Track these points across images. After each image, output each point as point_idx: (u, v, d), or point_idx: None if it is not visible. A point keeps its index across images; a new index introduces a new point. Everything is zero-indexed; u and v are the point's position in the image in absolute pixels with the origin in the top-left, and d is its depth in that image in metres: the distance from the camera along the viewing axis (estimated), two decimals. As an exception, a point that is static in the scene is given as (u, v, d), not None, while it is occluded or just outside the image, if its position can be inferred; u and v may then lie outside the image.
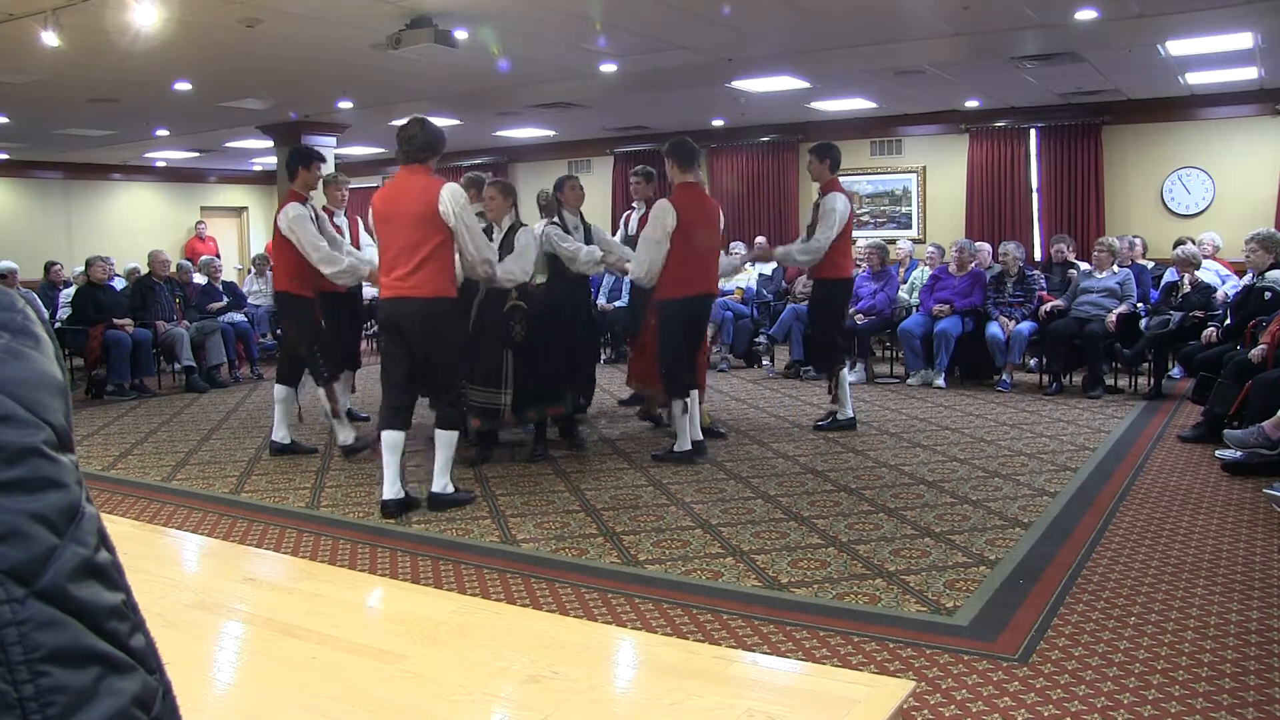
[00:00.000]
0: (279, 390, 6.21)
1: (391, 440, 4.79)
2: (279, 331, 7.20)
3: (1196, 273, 7.73)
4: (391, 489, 4.81)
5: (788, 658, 2.95)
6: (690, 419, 5.84)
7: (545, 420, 5.94)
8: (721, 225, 6.07)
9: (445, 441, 4.87)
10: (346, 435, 6.07)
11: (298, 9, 6.13)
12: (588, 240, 6.06)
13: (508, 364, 5.60)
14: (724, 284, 10.04)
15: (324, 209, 7.06)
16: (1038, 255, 10.61)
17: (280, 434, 6.26)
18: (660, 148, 6.13)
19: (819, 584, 3.76)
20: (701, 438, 5.94)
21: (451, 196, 4.63)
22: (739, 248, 10.95)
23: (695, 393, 5.95)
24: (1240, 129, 10.02)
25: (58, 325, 8.87)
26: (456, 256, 4.87)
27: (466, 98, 9.55)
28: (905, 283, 9.64)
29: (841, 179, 6.60)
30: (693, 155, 5.80)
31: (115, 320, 8.78)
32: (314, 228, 5.75)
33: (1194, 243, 8.66)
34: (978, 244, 9.22)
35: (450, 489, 4.93)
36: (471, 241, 4.78)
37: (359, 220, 7.33)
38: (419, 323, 4.67)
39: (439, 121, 5.01)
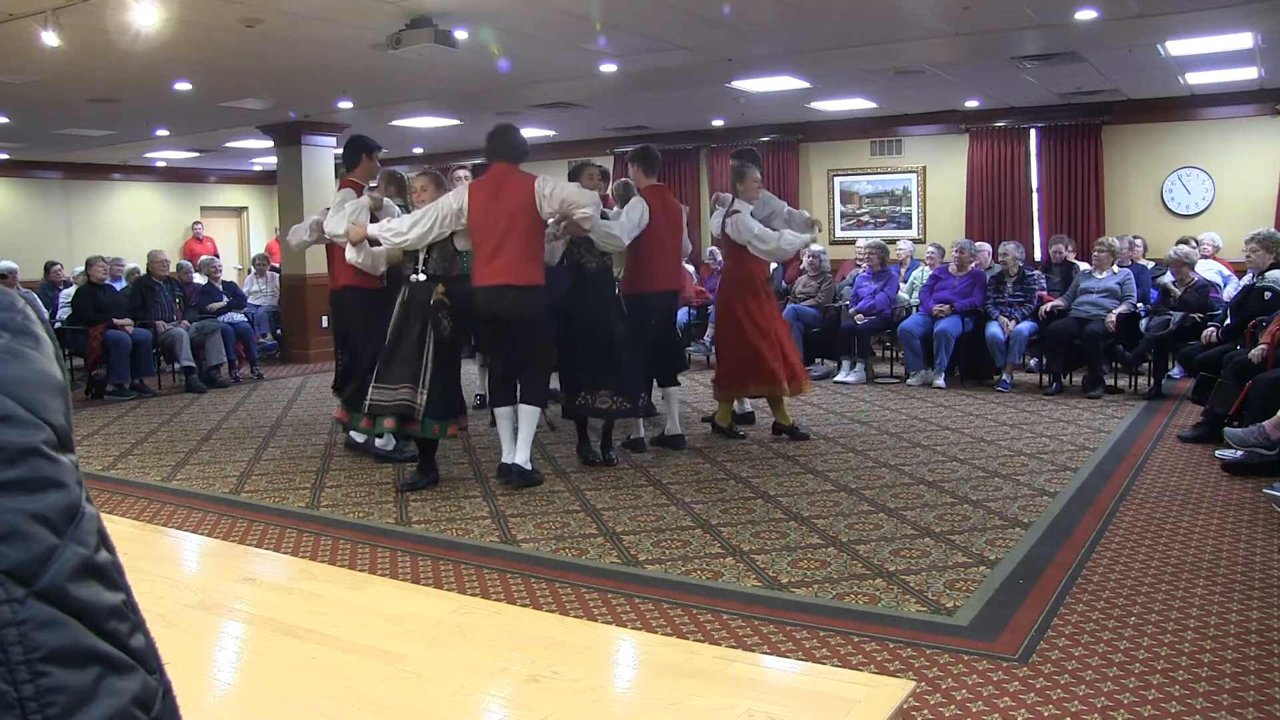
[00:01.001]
0: None
1: (504, 413, 5.29)
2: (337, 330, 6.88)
3: (1191, 272, 7.72)
4: (508, 454, 5.24)
5: (788, 658, 2.95)
6: (670, 413, 6.18)
7: (434, 440, 5.31)
8: (685, 227, 6.33)
9: (529, 416, 5.17)
10: (361, 435, 5.98)
11: (298, 9, 6.12)
12: None
13: (427, 364, 5.13)
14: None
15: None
16: (1038, 255, 10.61)
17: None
18: (665, 147, 6.29)
19: (819, 584, 3.76)
20: (679, 432, 6.17)
21: (542, 184, 5.11)
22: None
23: (676, 389, 6.25)
24: (1240, 129, 10.01)
25: (58, 325, 8.87)
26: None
27: (466, 98, 9.55)
28: (905, 283, 9.64)
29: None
30: (655, 161, 6.18)
31: (115, 320, 8.78)
32: (348, 212, 5.58)
33: (1195, 243, 8.65)
34: (978, 244, 9.22)
35: (530, 465, 5.19)
36: (577, 191, 5.19)
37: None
38: (517, 307, 5.07)
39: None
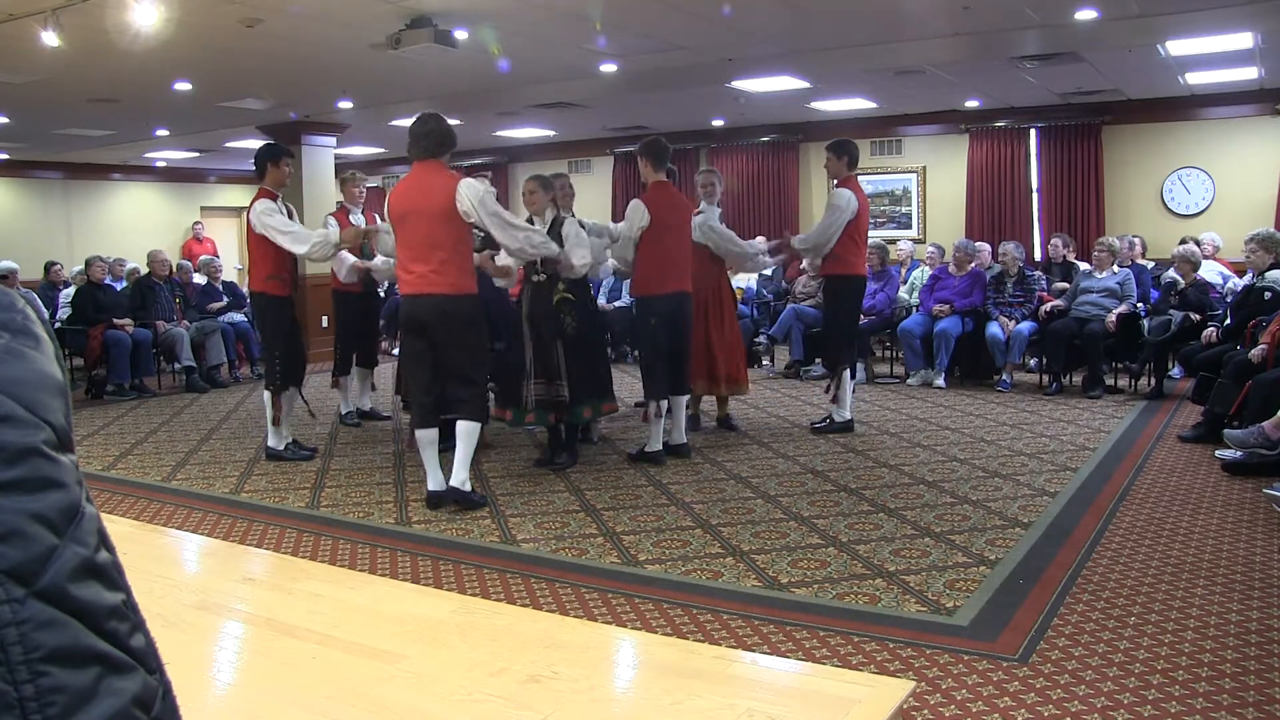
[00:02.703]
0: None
1: (427, 438, 4.90)
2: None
3: (1195, 273, 7.72)
4: (435, 481, 4.93)
5: (788, 658, 2.95)
6: (675, 421, 5.92)
7: (583, 424, 5.89)
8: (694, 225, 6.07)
9: (467, 433, 4.83)
10: (277, 441, 6.06)
11: (298, 9, 6.12)
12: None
13: (559, 357, 5.44)
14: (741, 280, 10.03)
15: (341, 206, 7.10)
16: (1038, 255, 10.61)
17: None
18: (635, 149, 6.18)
19: (819, 584, 3.76)
20: (684, 440, 5.96)
21: (469, 191, 4.65)
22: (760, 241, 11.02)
23: (684, 397, 5.97)
24: (1240, 129, 10.02)
25: (58, 325, 8.87)
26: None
27: (466, 98, 9.56)
28: (905, 283, 9.64)
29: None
30: (664, 155, 5.84)
31: (115, 320, 8.79)
32: (281, 218, 5.72)
33: (1197, 244, 8.62)
34: (977, 244, 9.22)
35: (468, 486, 4.90)
36: (503, 230, 4.77)
37: (376, 218, 7.36)
38: (441, 318, 4.70)
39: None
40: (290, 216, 5.87)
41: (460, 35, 6.70)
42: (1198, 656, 2.99)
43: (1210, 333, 6.96)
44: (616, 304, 9.91)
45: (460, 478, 4.86)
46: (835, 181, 6.50)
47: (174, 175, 15.70)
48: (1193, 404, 6.77)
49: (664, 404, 5.80)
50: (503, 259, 5.33)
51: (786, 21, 6.96)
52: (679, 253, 5.80)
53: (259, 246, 5.80)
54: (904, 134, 11.76)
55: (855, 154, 6.49)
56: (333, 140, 11.18)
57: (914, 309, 9.02)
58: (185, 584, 1.77)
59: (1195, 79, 9.12)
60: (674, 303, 5.75)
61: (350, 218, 6.99)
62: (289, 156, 6.09)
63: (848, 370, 6.62)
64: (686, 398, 6.08)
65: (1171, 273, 8.04)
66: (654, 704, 1.25)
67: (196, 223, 15.48)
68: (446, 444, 5.03)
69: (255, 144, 12.15)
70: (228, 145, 12.96)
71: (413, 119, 4.85)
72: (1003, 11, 6.70)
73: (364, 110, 10.33)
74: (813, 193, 12.14)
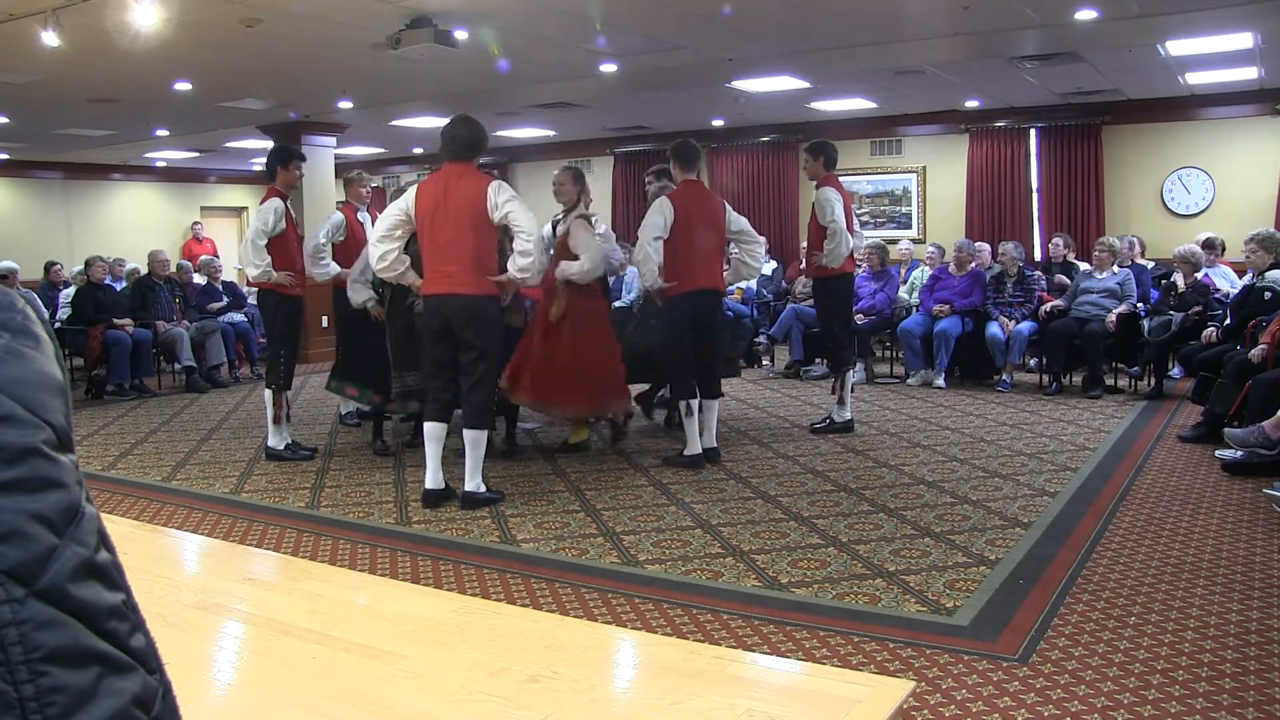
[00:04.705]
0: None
1: (434, 432, 4.94)
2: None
3: (1196, 273, 7.71)
4: (433, 479, 4.95)
5: (788, 658, 2.95)
6: (706, 425, 5.73)
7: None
8: (728, 223, 5.89)
9: (475, 441, 4.86)
10: (277, 441, 6.09)
11: (298, 9, 6.12)
12: None
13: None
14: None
15: (346, 204, 7.11)
16: (1038, 255, 10.61)
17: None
18: (665, 147, 6.14)
19: (819, 584, 3.76)
20: (715, 445, 5.79)
21: (496, 192, 4.72)
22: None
23: (716, 401, 5.83)
24: (1240, 129, 10.02)
25: (58, 325, 8.87)
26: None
27: (466, 98, 9.55)
28: (905, 283, 9.64)
29: (842, 179, 6.61)
30: (693, 155, 5.86)
31: (115, 320, 8.79)
32: (266, 226, 5.78)
33: (1224, 247, 8.55)
34: (977, 244, 9.22)
35: (483, 489, 4.95)
36: (526, 231, 4.67)
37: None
38: (468, 317, 4.72)
39: (439, 121, 5.05)
40: (287, 218, 5.89)
41: (460, 35, 6.70)
42: (1198, 656, 2.99)
43: (1210, 333, 6.96)
44: (616, 304, 9.89)
45: (474, 484, 4.91)
46: (815, 183, 6.52)
47: (174, 175, 15.70)
48: (1193, 404, 6.77)
49: (694, 404, 5.64)
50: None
51: (786, 21, 6.96)
52: (706, 250, 5.72)
53: (272, 246, 5.82)
54: (904, 134, 11.76)
55: (833, 154, 6.54)
56: (333, 140, 11.17)
57: (914, 309, 9.02)
58: (185, 584, 1.77)
59: (1195, 79, 9.12)
60: (698, 300, 5.65)
61: (357, 216, 6.98)
62: (300, 159, 6.14)
63: (850, 370, 6.62)
64: (718, 401, 5.91)
65: (1185, 276, 7.98)
66: (654, 704, 1.25)
67: (196, 223, 15.48)
68: (417, 440, 5.12)
69: (255, 144, 12.24)
70: (228, 145, 12.97)
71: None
72: (1003, 11, 6.70)
73: (364, 110, 10.33)
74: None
